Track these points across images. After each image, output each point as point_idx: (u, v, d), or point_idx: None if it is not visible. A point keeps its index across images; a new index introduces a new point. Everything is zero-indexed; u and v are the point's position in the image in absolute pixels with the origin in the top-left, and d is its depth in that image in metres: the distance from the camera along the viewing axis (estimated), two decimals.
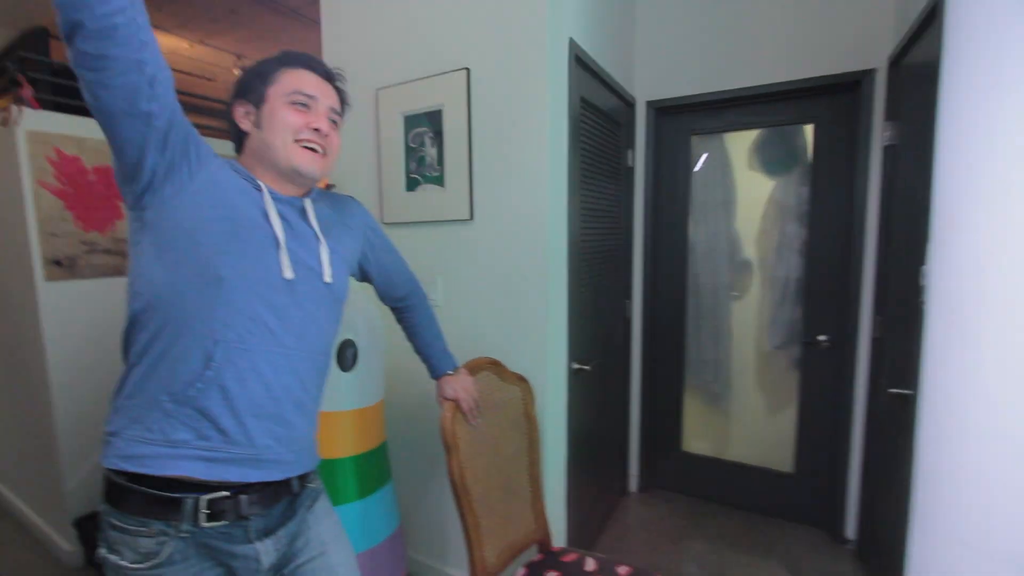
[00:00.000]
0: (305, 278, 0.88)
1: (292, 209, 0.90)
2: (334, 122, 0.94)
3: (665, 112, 2.41)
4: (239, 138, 0.92)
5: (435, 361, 1.27)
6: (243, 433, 0.81)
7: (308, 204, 0.94)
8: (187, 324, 0.78)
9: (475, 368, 1.38)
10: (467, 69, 1.63)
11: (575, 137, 1.70)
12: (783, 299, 2.26)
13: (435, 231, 1.77)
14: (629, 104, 2.36)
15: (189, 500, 0.79)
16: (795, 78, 2.06)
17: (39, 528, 2.26)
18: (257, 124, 0.88)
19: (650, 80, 2.38)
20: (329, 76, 0.94)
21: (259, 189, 0.87)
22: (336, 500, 1.47)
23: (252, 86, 0.89)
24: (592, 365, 1.91)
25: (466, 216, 1.68)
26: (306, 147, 0.88)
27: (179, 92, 0.78)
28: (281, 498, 0.89)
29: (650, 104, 2.39)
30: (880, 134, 1.91)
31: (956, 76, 0.93)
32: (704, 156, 2.40)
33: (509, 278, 1.63)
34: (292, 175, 0.89)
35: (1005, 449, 0.83)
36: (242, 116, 0.90)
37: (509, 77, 1.57)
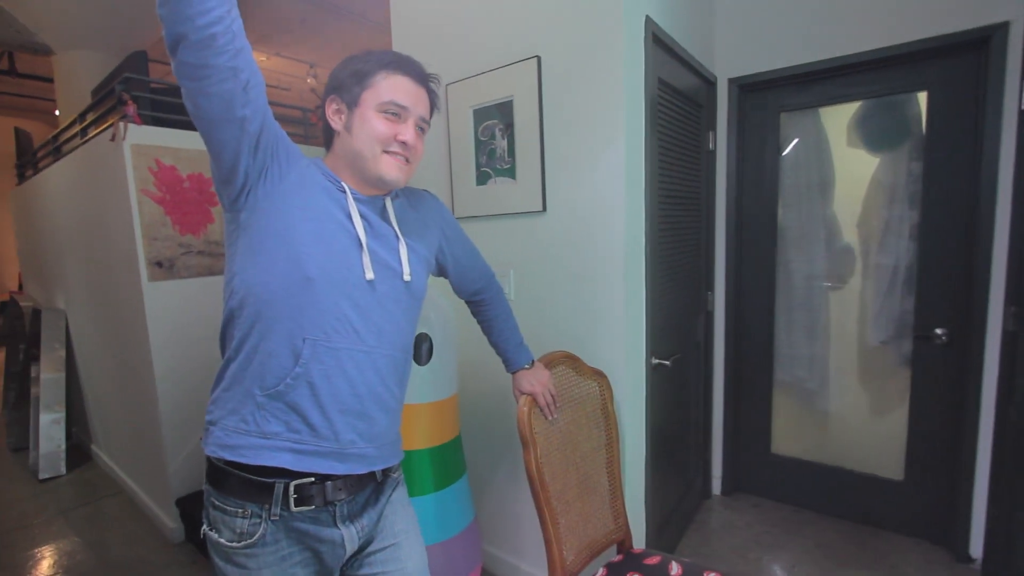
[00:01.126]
0: (386, 278, 0.89)
1: (373, 209, 0.91)
2: (421, 129, 0.93)
3: (750, 89, 2.23)
4: (329, 134, 0.92)
5: (511, 355, 1.25)
6: (329, 428, 0.84)
7: (389, 203, 0.94)
8: (278, 322, 0.81)
9: (551, 362, 1.34)
10: (538, 57, 1.59)
11: (652, 122, 1.61)
12: (891, 289, 2.03)
13: (507, 224, 1.75)
14: (710, 83, 2.21)
15: (279, 485, 0.82)
16: (904, 40, 1.82)
17: (147, 506, 2.51)
18: (347, 127, 0.88)
19: (733, 55, 2.21)
20: (424, 80, 0.93)
21: (343, 191, 0.88)
22: (412, 492, 1.50)
23: (347, 85, 0.89)
24: (672, 360, 1.82)
25: (539, 208, 1.64)
26: (393, 156, 0.89)
27: None
28: (366, 486, 0.92)
29: (733, 82, 2.22)
30: (1016, 96, 1.65)
31: None
32: (795, 141, 2.20)
33: (585, 270, 1.58)
34: (376, 183, 0.90)
35: None
36: (333, 114, 0.90)
37: (583, 62, 1.51)
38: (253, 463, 0.81)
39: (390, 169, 0.88)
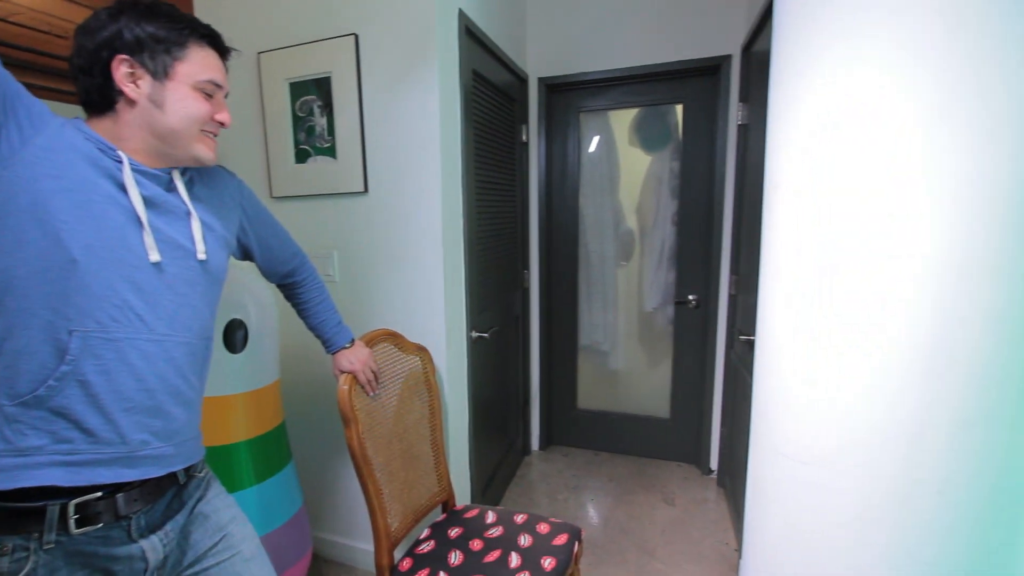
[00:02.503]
0: (176, 258, 0.82)
1: (157, 182, 0.82)
2: None
3: (556, 89, 2.51)
4: (107, 95, 0.78)
5: (330, 336, 1.26)
6: (113, 430, 0.75)
7: (177, 176, 0.86)
8: (32, 314, 0.70)
9: (372, 340, 1.39)
10: (355, 35, 1.58)
11: (468, 110, 1.73)
12: (659, 264, 2.51)
13: (329, 204, 1.72)
14: (522, 80, 2.42)
15: (53, 508, 0.72)
16: (668, 60, 2.25)
17: None
18: (155, 100, 0.79)
19: (541, 58, 2.45)
20: (227, 55, 0.90)
21: (118, 160, 0.77)
22: (231, 487, 1.42)
23: (150, 49, 0.78)
24: (491, 333, 2.00)
25: (361, 189, 1.65)
26: (207, 136, 0.87)
27: (24, 50, 0.69)
28: (166, 490, 0.85)
29: (542, 81, 2.47)
30: (735, 114, 2.16)
31: (780, 62, 1.10)
32: (597, 138, 2.54)
33: (407, 251, 1.65)
34: (189, 162, 0.86)
35: (815, 375, 1.04)
36: (126, 77, 0.77)
37: (399, 46, 1.55)
38: (6, 488, 0.69)
39: (206, 150, 0.86)
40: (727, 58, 2.16)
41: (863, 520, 1.00)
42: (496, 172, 2.13)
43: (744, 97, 2.09)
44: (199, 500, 0.91)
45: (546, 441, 2.81)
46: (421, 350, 1.56)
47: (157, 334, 0.79)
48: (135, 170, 0.79)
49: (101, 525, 0.75)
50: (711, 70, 2.23)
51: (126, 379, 0.76)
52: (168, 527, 0.84)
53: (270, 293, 1.54)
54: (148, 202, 0.80)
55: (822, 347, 1.01)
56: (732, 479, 2.14)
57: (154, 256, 0.79)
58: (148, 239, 0.78)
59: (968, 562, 0.93)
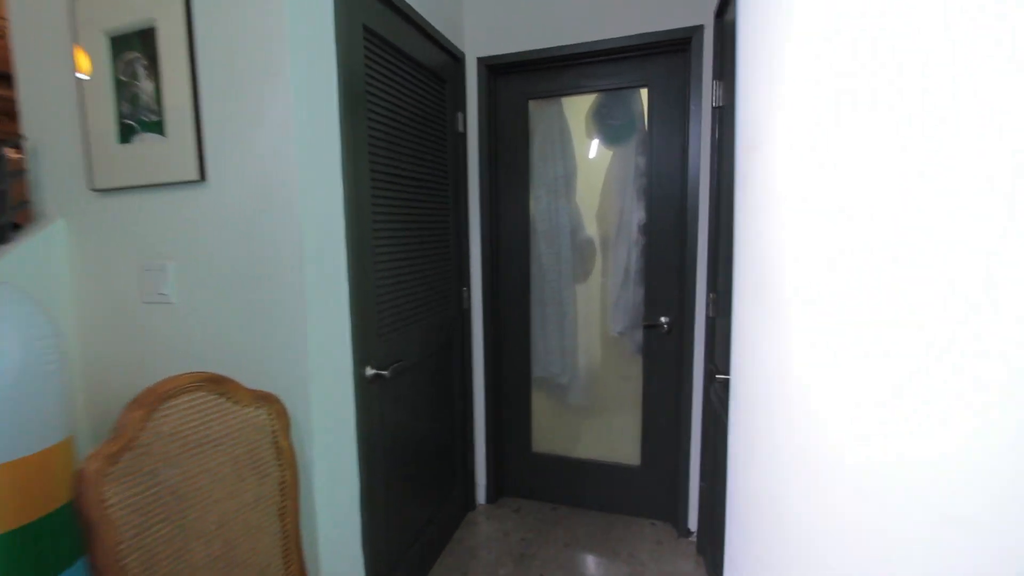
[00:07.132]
0: None
1: None
2: None
3: (499, 71, 2.10)
4: None
5: None
6: None
7: None
8: None
9: (171, 393, 0.94)
10: None
11: (351, 79, 1.31)
12: (625, 280, 2.08)
13: (160, 198, 1.28)
14: (456, 59, 2.02)
15: None
16: (630, 33, 1.85)
17: None
18: None
19: (482, 34, 2.05)
20: None
21: None
22: None
23: None
24: (396, 368, 1.55)
25: (195, 176, 1.21)
26: None
27: None
28: None
29: (481, 61, 2.07)
30: (709, 95, 1.76)
31: (746, 32, 0.70)
32: (595, 142, 2.10)
33: (258, 261, 1.20)
34: None
35: (801, 423, 0.60)
36: None
37: None
38: None
39: None
40: (698, 29, 1.76)
41: None
42: (416, 165, 1.70)
43: (719, 74, 1.69)
44: None
45: (495, 493, 2.34)
46: (266, 400, 1.10)
47: None
48: None
49: None
50: (680, 45, 1.84)
51: None
52: None
53: (48, 322, 1.09)
54: None
55: (868, 376, 0.57)
56: (714, 545, 1.69)
57: None
58: None
59: None
